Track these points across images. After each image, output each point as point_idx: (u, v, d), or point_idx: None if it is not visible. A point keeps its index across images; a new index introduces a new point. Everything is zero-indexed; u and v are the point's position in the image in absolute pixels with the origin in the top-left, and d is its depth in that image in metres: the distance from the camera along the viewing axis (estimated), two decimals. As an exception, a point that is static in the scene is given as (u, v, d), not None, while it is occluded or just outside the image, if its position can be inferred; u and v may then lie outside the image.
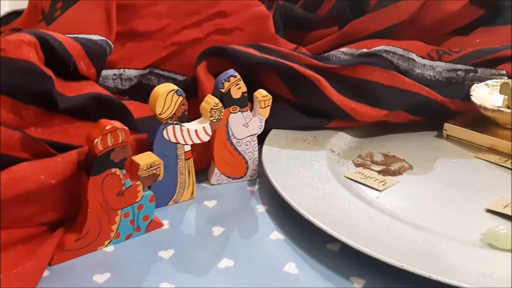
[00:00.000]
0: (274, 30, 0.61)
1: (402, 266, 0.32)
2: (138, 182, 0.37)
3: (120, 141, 0.34)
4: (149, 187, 0.38)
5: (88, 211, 0.35)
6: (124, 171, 0.36)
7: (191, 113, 0.42)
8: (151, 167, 0.37)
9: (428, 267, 0.32)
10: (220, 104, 0.42)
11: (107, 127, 0.33)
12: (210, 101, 0.42)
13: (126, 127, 0.35)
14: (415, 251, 0.34)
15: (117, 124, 0.34)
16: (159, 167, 0.37)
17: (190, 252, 0.36)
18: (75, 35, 0.42)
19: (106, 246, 0.36)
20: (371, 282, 0.33)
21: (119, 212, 0.36)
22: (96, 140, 0.33)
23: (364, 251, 0.33)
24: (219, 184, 0.46)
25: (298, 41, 0.66)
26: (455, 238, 0.36)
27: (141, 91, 0.54)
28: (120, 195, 0.36)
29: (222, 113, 0.42)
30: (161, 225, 0.39)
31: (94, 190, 0.34)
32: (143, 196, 0.37)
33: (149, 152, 0.38)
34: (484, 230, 0.37)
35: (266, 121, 0.47)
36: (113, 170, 0.35)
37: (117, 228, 0.37)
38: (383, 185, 0.44)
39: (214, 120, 0.42)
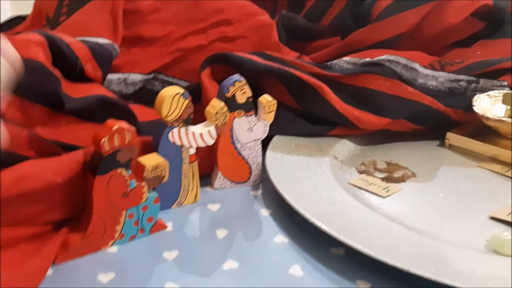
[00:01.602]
0: (277, 38, 0.61)
1: (408, 269, 0.32)
2: (143, 183, 0.37)
3: (126, 142, 0.34)
4: (154, 189, 0.38)
5: (93, 211, 0.34)
6: (130, 172, 0.36)
7: (195, 118, 0.42)
8: (156, 168, 0.37)
9: (435, 270, 0.32)
10: (226, 108, 0.42)
11: (114, 128, 0.33)
12: (215, 105, 0.42)
13: (133, 128, 0.35)
14: (421, 255, 0.34)
15: (124, 124, 0.34)
16: (164, 169, 0.37)
17: (194, 254, 0.36)
18: (82, 38, 0.42)
19: (110, 247, 0.36)
20: (376, 285, 0.33)
21: (123, 212, 0.36)
22: (103, 140, 0.33)
23: (370, 255, 0.33)
24: (222, 188, 0.46)
25: (301, 51, 0.67)
26: (459, 245, 0.36)
27: (145, 96, 0.54)
28: (125, 195, 0.36)
29: (227, 117, 0.42)
30: (165, 227, 0.39)
31: (100, 190, 0.34)
32: (148, 197, 0.37)
33: (155, 154, 0.38)
34: (488, 237, 0.37)
35: (269, 127, 0.47)
36: (119, 170, 0.35)
37: (122, 228, 0.36)
38: (386, 192, 0.44)
39: (219, 124, 0.42)
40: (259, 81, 0.55)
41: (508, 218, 0.40)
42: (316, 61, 0.63)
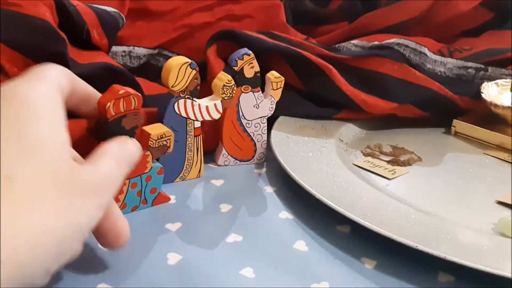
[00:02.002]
0: (285, 19, 0.60)
1: (416, 246, 0.31)
2: (148, 153, 0.36)
3: (132, 107, 0.33)
4: (158, 159, 0.37)
5: None
6: (134, 140, 0.35)
7: (199, 96, 0.41)
8: (161, 138, 0.36)
9: (444, 249, 0.31)
10: (233, 82, 0.41)
11: (121, 92, 0.32)
12: (223, 78, 0.41)
13: (139, 94, 0.34)
14: (428, 234, 0.33)
15: (131, 90, 0.33)
16: (169, 139, 0.36)
17: (197, 226, 0.35)
18: (89, 4, 0.41)
19: None
20: (382, 263, 0.33)
21: (126, 182, 0.35)
22: (108, 104, 0.32)
23: (378, 231, 0.32)
24: (226, 165, 0.45)
25: (308, 35, 0.66)
26: (467, 226, 0.36)
27: (149, 71, 0.53)
28: None
29: (234, 91, 0.42)
30: (168, 199, 0.38)
31: None
32: (152, 167, 0.36)
33: (160, 124, 0.37)
34: (495, 220, 0.37)
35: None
36: (123, 137, 0.34)
37: (124, 198, 0.36)
38: (392, 174, 0.44)
39: (226, 98, 0.41)
40: (266, 61, 0.54)
41: (516, 203, 0.40)
42: (323, 44, 0.62)
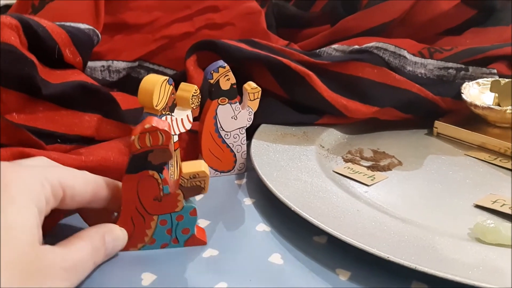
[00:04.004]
0: (266, 26, 0.61)
1: (388, 257, 0.31)
2: (179, 191, 0.33)
3: (160, 143, 0.31)
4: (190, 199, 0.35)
5: (122, 208, 0.33)
6: (163, 176, 0.33)
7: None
8: (194, 177, 0.33)
9: (415, 258, 0.31)
10: (198, 90, 0.42)
11: (146, 126, 0.31)
12: (189, 89, 0.41)
13: (168, 129, 0.31)
14: (402, 243, 0.34)
15: (160, 124, 0.31)
16: (204, 180, 0.33)
17: (174, 243, 0.36)
18: (61, 23, 0.41)
19: (138, 249, 0.34)
20: (357, 274, 0.33)
21: (155, 217, 0.34)
22: (133, 137, 0.31)
23: (350, 242, 0.33)
24: (206, 177, 0.45)
25: (291, 39, 0.66)
26: (442, 232, 0.36)
27: (130, 84, 0.53)
28: (157, 200, 0.33)
29: (200, 99, 0.42)
30: (204, 243, 0.35)
31: (129, 188, 0.32)
32: (183, 207, 0.34)
33: (199, 161, 0.34)
34: (472, 225, 0.37)
35: (255, 115, 0.46)
36: (150, 172, 0.32)
37: (153, 233, 0.34)
38: (371, 180, 0.44)
39: (195, 107, 0.42)
40: (247, 69, 0.55)
41: (493, 206, 0.40)
42: (305, 49, 0.62)
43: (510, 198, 0.41)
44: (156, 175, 0.32)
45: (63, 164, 0.34)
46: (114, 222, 0.33)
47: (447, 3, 0.64)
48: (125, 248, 0.34)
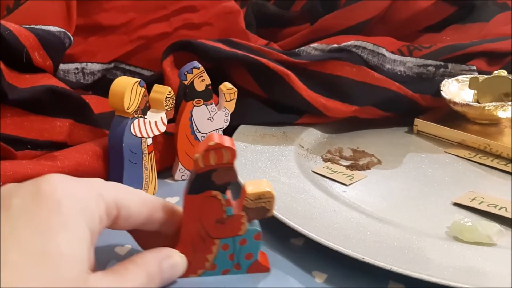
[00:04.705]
0: (244, 25, 0.60)
1: (363, 258, 0.31)
2: (243, 213, 0.31)
3: (224, 161, 0.29)
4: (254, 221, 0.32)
5: (181, 231, 0.31)
6: (227, 197, 0.30)
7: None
8: (259, 198, 0.31)
9: (390, 259, 0.31)
10: (172, 92, 0.41)
11: (211, 143, 0.28)
12: (163, 91, 0.41)
13: (233, 147, 0.29)
14: (378, 244, 0.33)
15: (225, 141, 0.29)
16: (270, 201, 0.31)
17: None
18: (30, 26, 0.40)
19: (199, 276, 0.32)
20: (333, 276, 0.32)
21: (217, 241, 0.31)
22: (197, 155, 0.29)
23: (325, 244, 0.32)
24: (183, 180, 0.45)
25: (271, 38, 0.66)
26: (420, 232, 0.36)
27: (106, 86, 0.52)
28: (220, 223, 0.31)
29: (174, 101, 0.41)
30: (268, 269, 0.33)
31: (190, 210, 0.30)
32: (247, 230, 0.31)
33: (263, 181, 0.32)
34: (450, 223, 0.37)
35: (235, 116, 0.45)
36: (213, 192, 0.30)
37: (214, 259, 0.32)
38: (350, 179, 0.44)
39: (169, 109, 0.41)
40: (225, 69, 0.54)
41: (471, 204, 0.39)
42: (285, 48, 0.62)
43: (488, 195, 0.40)
44: (219, 195, 0.30)
45: (40, 174, 0.33)
46: (170, 246, 0.31)
47: (426, 1, 0.64)
48: (185, 275, 0.31)
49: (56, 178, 0.26)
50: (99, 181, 0.29)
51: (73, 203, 0.25)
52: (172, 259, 0.30)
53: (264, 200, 0.31)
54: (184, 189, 0.30)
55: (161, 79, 0.51)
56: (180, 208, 0.31)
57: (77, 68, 0.50)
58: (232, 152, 0.29)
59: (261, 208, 0.31)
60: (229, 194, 0.30)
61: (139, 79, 0.38)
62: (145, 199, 0.30)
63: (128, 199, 0.28)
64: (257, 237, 0.32)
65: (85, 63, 0.50)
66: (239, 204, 0.31)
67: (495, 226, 0.35)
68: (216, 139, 0.29)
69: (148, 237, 0.32)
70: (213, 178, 0.29)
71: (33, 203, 0.24)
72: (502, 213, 0.38)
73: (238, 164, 0.43)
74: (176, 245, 0.31)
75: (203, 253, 0.31)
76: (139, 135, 0.39)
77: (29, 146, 0.37)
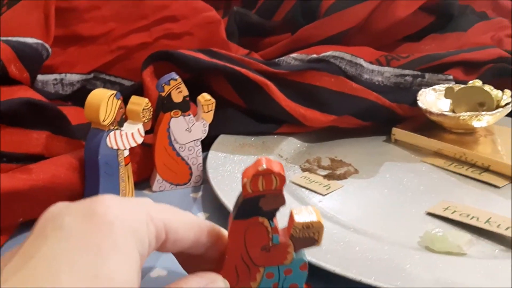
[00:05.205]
0: (225, 35, 0.60)
1: (334, 270, 0.31)
2: (290, 242, 0.30)
3: (273, 187, 0.28)
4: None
5: (226, 257, 0.30)
6: (274, 224, 0.29)
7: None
8: (307, 228, 0.30)
9: (362, 270, 0.31)
10: (150, 103, 0.41)
11: (260, 168, 0.27)
12: (140, 102, 0.41)
13: (282, 173, 0.28)
14: (351, 254, 0.34)
15: (275, 166, 0.28)
16: (318, 231, 0.30)
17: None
18: (6, 38, 0.40)
19: None
20: None
21: (261, 269, 0.30)
22: (245, 180, 0.28)
23: (298, 256, 0.32)
24: (161, 191, 0.45)
25: (253, 47, 0.66)
26: (393, 242, 0.36)
27: (85, 96, 0.52)
28: (265, 250, 0.30)
29: (151, 112, 0.41)
30: None
31: (236, 235, 0.29)
32: (293, 260, 0.30)
33: (314, 209, 0.30)
34: (423, 233, 0.37)
35: (215, 126, 0.46)
36: (260, 219, 0.29)
37: (258, 287, 0.30)
38: (327, 189, 0.44)
39: (146, 121, 0.41)
40: (205, 79, 0.54)
41: (444, 214, 0.40)
42: (265, 57, 0.62)
43: (461, 205, 0.41)
44: (266, 222, 0.29)
45: (15, 188, 0.33)
46: (214, 270, 0.30)
47: (404, 10, 0.65)
48: None
49: (108, 198, 0.25)
50: (149, 202, 0.28)
51: (125, 226, 0.24)
52: (216, 285, 0.29)
53: (313, 230, 0.30)
54: (230, 213, 0.30)
55: (141, 89, 0.51)
56: (226, 232, 0.30)
57: (56, 79, 0.50)
58: (282, 178, 0.28)
59: (309, 238, 0.30)
60: (276, 221, 0.29)
61: (115, 92, 0.39)
62: (193, 223, 0.29)
63: (176, 222, 0.28)
64: (303, 267, 0.31)
65: (64, 74, 0.50)
66: (286, 232, 0.30)
67: (465, 236, 0.36)
68: (265, 164, 0.28)
69: (192, 260, 0.31)
70: (261, 204, 0.28)
71: (85, 224, 0.23)
72: (473, 222, 0.38)
73: (216, 176, 0.43)
74: (220, 270, 0.30)
75: (247, 280, 0.30)
76: (115, 147, 0.40)
77: (4, 159, 0.37)
